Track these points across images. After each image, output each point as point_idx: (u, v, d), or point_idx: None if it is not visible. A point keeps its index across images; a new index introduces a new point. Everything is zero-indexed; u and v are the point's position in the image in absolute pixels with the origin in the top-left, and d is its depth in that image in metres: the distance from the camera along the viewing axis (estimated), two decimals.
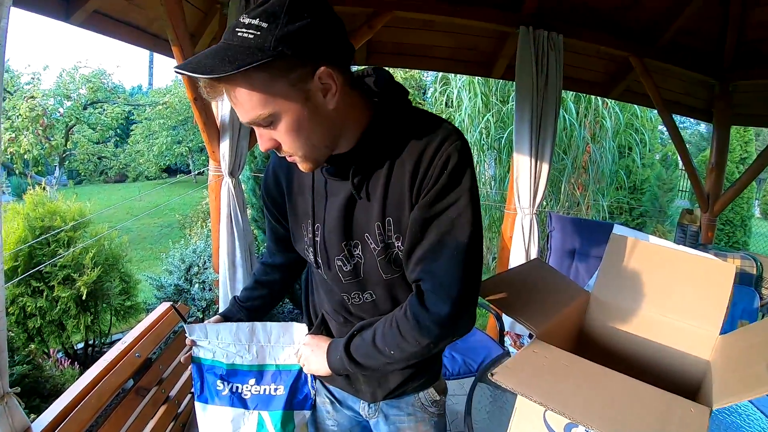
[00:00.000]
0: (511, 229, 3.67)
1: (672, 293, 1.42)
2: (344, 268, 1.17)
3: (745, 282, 3.07)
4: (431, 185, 1.02)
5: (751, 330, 1.30)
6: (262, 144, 0.99)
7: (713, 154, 4.80)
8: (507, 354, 2.03)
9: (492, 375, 1.09)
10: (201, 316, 3.90)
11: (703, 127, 18.00)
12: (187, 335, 1.43)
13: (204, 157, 16.01)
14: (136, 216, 10.18)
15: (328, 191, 1.15)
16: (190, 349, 1.42)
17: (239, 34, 0.87)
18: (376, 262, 1.14)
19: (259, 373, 1.48)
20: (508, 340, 2.04)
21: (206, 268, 4.10)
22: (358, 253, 1.15)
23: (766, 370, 1.02)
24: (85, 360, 3.71)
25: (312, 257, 1.22)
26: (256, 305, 1.52)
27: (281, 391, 1.46)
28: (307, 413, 1.50)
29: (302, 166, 1.05)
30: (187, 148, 15.54)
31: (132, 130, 16.11)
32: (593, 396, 1.08)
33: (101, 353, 3.89)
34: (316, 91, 0.95)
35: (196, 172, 13.68)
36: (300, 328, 1.41)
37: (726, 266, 1.36)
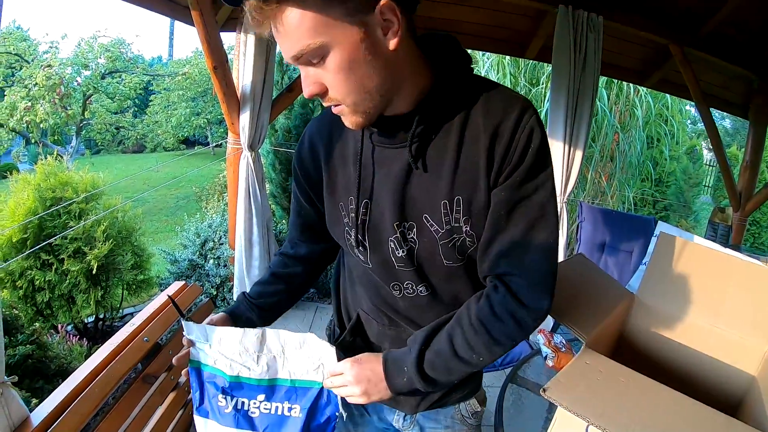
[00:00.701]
0: None
1: (721, 301, 1.36)
2: (397, 253, 1.02)
3: None
4: (516, 163, 0.89)
5: None
6: (307, 88, 0.85)
7: (748, 152, 4.69)
8: (538, 353, 1.93)
9: (544, 391, 0.99)
10: (214, 293, 3.85)
11: (727, 122, 17.66)
12: (184, 334, 1.21)
13: (222, 130, 16.10)
14: (153, 187, 10.19)
15: (377, 161, 1.00)
16: (188, 348, 1.18)
17: None
18: (438, 248, 0.99)
19: (269, 388, 1.26)
20: (540, 339, 1.93)
21: (222, 244, 4.05)
22: (412, 237, 1.00)
23: None
24: (95, 335, 3.67)
25: (354, 241, 1.05)
26: (270, 303, 1.30)
27: (296, 412, 1.24)
28: None
29: (349, 120, 0.90)
30: (205, 120, 15.59)
31: (151, 101, 16.20)
32: (652, 419, 1.00)
33: (112, 328, 3.88)
34: (376, 26, 0.81)
35: (214, 145, 13.69)
36: (321, 344, 1.17)
37: None
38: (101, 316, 3.83)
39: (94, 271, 3.38)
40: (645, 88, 6.36)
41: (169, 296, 1.30)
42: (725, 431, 0.96)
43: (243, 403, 1.25)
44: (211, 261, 3.94)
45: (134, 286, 3.91)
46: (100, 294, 3.51)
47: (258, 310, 1.28)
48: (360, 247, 1.04)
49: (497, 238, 0.94)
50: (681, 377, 1.39)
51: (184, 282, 2.29)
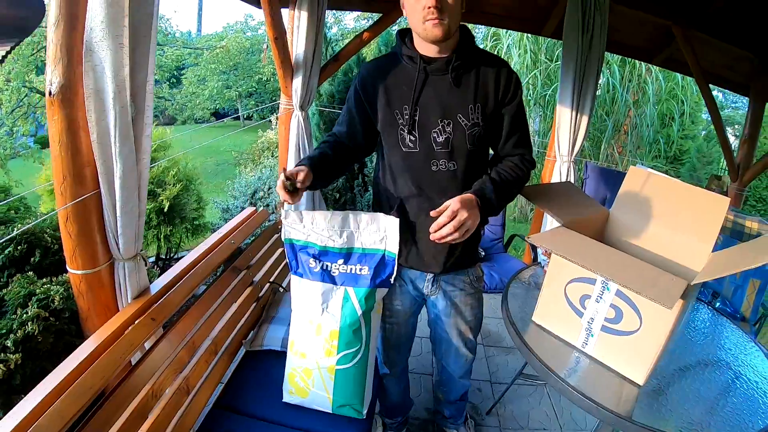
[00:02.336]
0: (550, 175, 3.99)
1: (676, 216, 1.71)
2: (438, 139, 1.60)
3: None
4: (513, 93, 1.62)
5: (737, 247, 1.53)
6: (432, 0, 1.43)
7: (747, 127, 4.88)
8: (538, 263, 2.37)
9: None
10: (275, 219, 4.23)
11: (722, 98, 17.13)
12: (282, 216, 1.73)
13: (252, 102, 16.30)
14: (191, 155, 10.62)
15: (427, 84, 1.59)
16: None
17: None
18: (465, 136, 1.59)
19: (347, 254, 1.72)
20: (540, 250, 2.40)
21: (270, 193, 4.45)
22: (449, 130, 1.59)
23: (741, 258, 1.36)
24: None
25: (407, 133, 1.61)
26: (322, 158, 1.64)
27: (366, 271, 1.71)
28: (385, 290, 1.78)
29: (439, 29, 1.48)
30: (236, 93, 15.86)
31: (183, 75, 16.43)
32: (606, 260, 1.47)
33: (171, 266, 4.25)
34: None
35: (246, 117, 13.93)
36: (388, 219, 1.66)
37: (722, 199, 1.63)
38: (162, 256, 4.26)
39: (165, 210, 3.83)
40: (656, 67, 6.55)
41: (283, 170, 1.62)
42: (653, 272, 1.40)
43: (328, 265, 1.72)
44: (261, 209, 4.33)
45: (192, 230, 4.32)
46: (168, 230, 3.96)
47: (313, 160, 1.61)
48: (411, 136, 1.61)
49: (512, 135, 1.68)
50: None
51: (254, 208, 2.72)
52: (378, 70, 1.67)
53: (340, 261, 1.71)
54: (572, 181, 3.84)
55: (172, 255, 4.39)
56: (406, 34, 1.66)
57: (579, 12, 3.49)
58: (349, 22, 16.77)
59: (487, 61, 1.62)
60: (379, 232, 1.68)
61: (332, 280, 1.71)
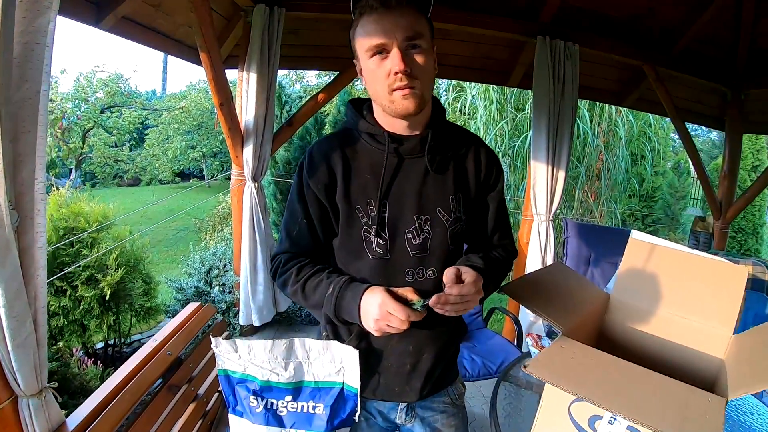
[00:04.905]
0: (528, 235, 3.74)
1: (688, 295, 1.48)
2: (413, 241, 1.27)
3: (756, 288, 3.09)
4: (495, 178, 1.38)
5: (763, 328, 1.33)
6: (402, 63, 1.14)
7: (725, 162, 4.84)
8: (528, 355, 2.09)
9: (524, 367, 1.15)
10: (221, 318, 3.96)
11: (714, 135, 18.02)
12: (213, 345, 1.38)
13: (217, 162, 16.14)
14: (151, 220, 10.29)
15: (398, 170, 1.28)
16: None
17: None
18: (447, 234, 1.30)
19: (296, 389, 1.42)
20: (529, 341, 2.10)
21: (226, 271, 4.14)
22: (427, 228, 1.27)
23: None
24: (105, 360, 3.73)
25: (374, 235, 1.27)
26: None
27: (320, 410, 1.40)
28: (347, 430, 1.44)
29: (410, 101, 1.18)
30: (200, 153, 15.67)
31: (146, 134, 16.22)
32: (619, 387, 1.16)
33: (121, 354, 3.98)
34: (434, 53, 1.24)
35: (210, 177, 13.80)
36: (344, 349, 1.34)
37: (738, 269, 1.42)
38: (111, 342, 3.90)
39: (107, 297, 3.49)
40: (626, 108, 6.55)
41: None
42: (679, 392, 1.12)
43: (272, 403, 1.40)
44: (216, 288, 4.04)
45: (142, 313, 3.98)
46: (112, 319, 3.62)
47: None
48: (380, 239, 1.26)
49: (497, 227, 1.43)
50: (658, 366, 1.41)
51: (199, 303, 2.41)
52: (330, 152, 1.30)
53: (288, 398, 1.40)
54: (552, 241, 3.60)
55: (123, 341, 4.01)
56: (361, 104, 1.34)
57: (548, 61, 3.35)
58: (311, 78, 16.52)
59: (462, 139, 1.36)
60: (334, 362, 1.36)
61: (279, 422, 1.40)
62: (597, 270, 3.56)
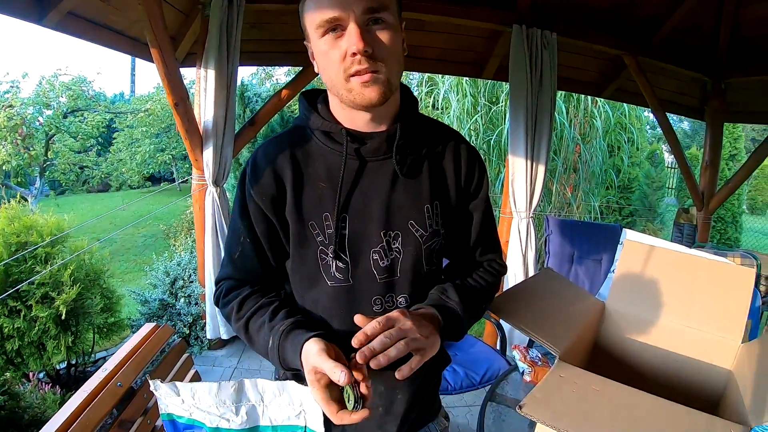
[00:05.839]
0: (507, 233, 3.60)
1: (690, 301, 1.39)
2: (380, 263, 1.04)
3: None
4: (478, 180, 1.15)
5: None
6: (361, 42, 0.91)
7: (707, 152, 4.83)
8: (515, 368, 1.93)
9: (521, 408, 0.98)
10: (187, 332, 3.76)
11: (686, 124, 18.19)
12: (152, 389, 1.16)
13: (188, 165, 15.81)
14: (119, 227, 9.97)
15: (362, 176, 1.05)
16: None
17: None
18: (421, 252, 1.07)
19: None
20: (516, 355, 1.94)
21: (192, 282, 3.94)
22: (397, 247, 1.05)
23: None
24: (68, 381, 3.54)
25: (331, 257, 1.04)
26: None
27: None
28: None
29: (372, 89, 0.95)
30: (170, 156, 15.31)
31: (114, 139, 15.84)
32: (630, 424, 1.02)
33: (85, 373, 3.77)
34: (402, 31, 1.02)
35: (181, 181, 13.51)
36: (303, 389, 1.10)
37: (745, 271, 1.35)
38: (73, 362, 3.69)
39: (63, 317, 3.27)
40: (603, 99, 6.51)
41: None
42: (699, 424, 0.99)
43: None
44: (182, 300, 3.84)
45: (105, 330, 3.76)
46: (70, 339, 3.38)
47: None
48: (339, 262, 1.04)
49: (483, 240, 1.20)
50: (660, 379, 1.40)
51: (155, 324, 2.21)
52: (277, 157, 1.06)
53: None
54: (533, 239, 3.47)
55: (87, 359, 3.81)
56: (315, 96, 1.12)
57: (525, 50, 3.23)
58: (281, 77, 16.02)
59: (437, 135, 1.13)
60: (293, 405, 1.14)
61: None
62: (581, 268, 3.45)
